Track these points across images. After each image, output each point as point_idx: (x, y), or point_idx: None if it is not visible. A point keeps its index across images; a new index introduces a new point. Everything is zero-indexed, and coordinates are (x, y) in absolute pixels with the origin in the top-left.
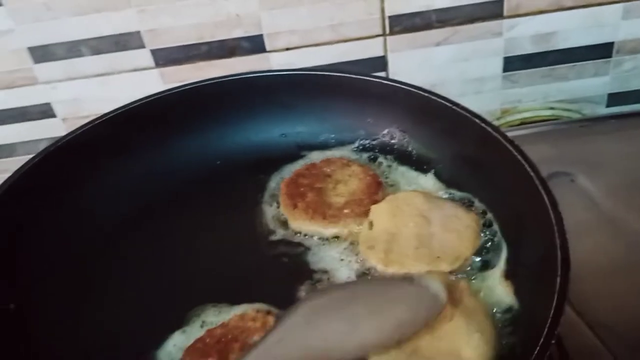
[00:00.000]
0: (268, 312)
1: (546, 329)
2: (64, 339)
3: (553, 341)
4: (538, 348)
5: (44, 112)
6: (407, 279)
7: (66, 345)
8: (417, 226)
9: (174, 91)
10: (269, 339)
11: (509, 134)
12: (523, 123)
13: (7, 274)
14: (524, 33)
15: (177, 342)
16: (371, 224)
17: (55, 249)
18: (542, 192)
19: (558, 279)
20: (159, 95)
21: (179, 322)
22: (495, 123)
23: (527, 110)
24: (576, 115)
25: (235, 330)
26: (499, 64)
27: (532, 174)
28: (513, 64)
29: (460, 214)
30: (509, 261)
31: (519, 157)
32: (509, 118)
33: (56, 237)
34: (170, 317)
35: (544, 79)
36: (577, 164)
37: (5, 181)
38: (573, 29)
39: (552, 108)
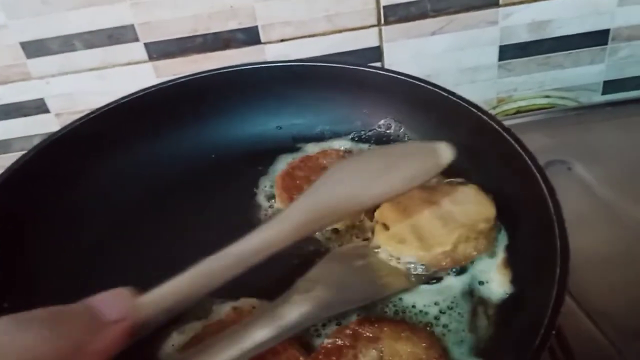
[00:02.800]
0: None
1: (547, 319)
2: None
3: (554, 331)
4: (539, 338)
5: (38, 107)
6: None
7: None
8: (432, 210)
9: (168, 84)
10: (308, 191)
11: (506, 123)
12: (519, 112)
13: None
14: (519, 21)
15: (175, 341)
16: (385, 226)
17: (51, 243)
18: (540, 180)
19: (558, 269)
20: (154, 89)
21: (176, 320)
22: (492, 112)
23: (523, 98)
24: (572, 104)
25: (231, 325)
26: (494, 52)
27: (529, 162)
28: (509, 52)
29: (460, 189)
30: (508, 249)
31: (516, 145)
32: (505, 107)
33: (52, 231)
34: None
35: (539, 67)
36: (573, 152)
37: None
38: (569, 16)
39: (548, 96)
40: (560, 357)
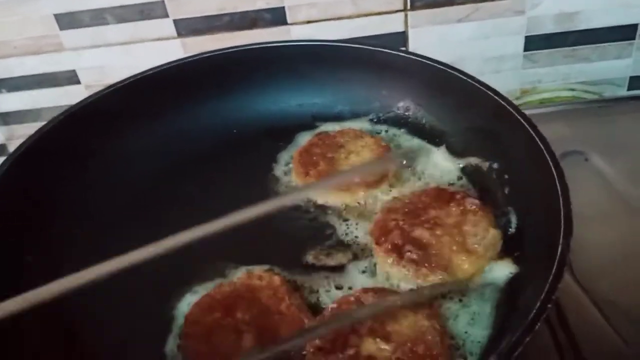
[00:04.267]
0: (275, 273)
1: (544, 292)
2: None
3: (549, 305)
4: (535, 309)
5: (69, 78)
6: None
7: (87, 295)
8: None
9: (195, 58)
10: None
11: (527, 112)
12: (542, 104)
13: (26, 229)
14: (546, 12)
15: (191, 300)
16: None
17: (75, 205)
18: (551, 163)
19: (560, 247)
20: (180, 62)
21: (192, 281)
22: (515, 103)
23: (547, 90)
24: (596, 97)
25: (242, 288)
26: (520, 42)
27: (542, 146)
28: (534, 43)
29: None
30: (517, 229)
31: (531, 130)
32: (528, 98)
33: (75, 196)
34: (183, 276)
35: (565, 59)
36: (592, 143)
37: (28, 139)
38: (597, 9)
39: (572, 89)
40: (563, 343)
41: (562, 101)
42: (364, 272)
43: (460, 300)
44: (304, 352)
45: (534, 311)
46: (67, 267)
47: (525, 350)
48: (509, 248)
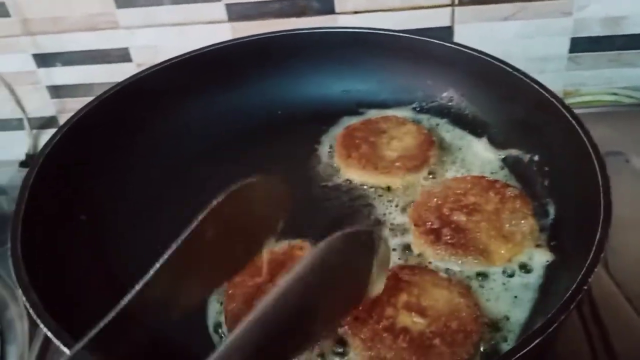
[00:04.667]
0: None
1: (581, 274)
2: (130, 248)
3: (585, 287)
4: (571, 290)
5: (122, 56)
6: None
7: (131, 253)
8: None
9: (243, 40)
10: None
11: None
12: (584, 105)
13: (80, 192)
14: (594, 14)
15: None
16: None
17: (125, 174)
18: (593, 155)
19: (598, 234)
20: (230, 43)
21: None
22: None
23: (590, 94)
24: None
25: (283, 257)
26: (565, 44)
27: (584, 138)
28: (580, 45)
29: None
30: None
31: (574, 122)
32: (571, 100)
33: (124, 165)
34: None
35: (610, 63)
36: (633, 145)
37: (80, 110)
38: None
39: (615, 94)
40: (595, 336)
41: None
42: (401, 249)
43: (503, 284)
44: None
45: (570, 292)
46: (116, 227)
47: (559, 335)
48: (546, 237)
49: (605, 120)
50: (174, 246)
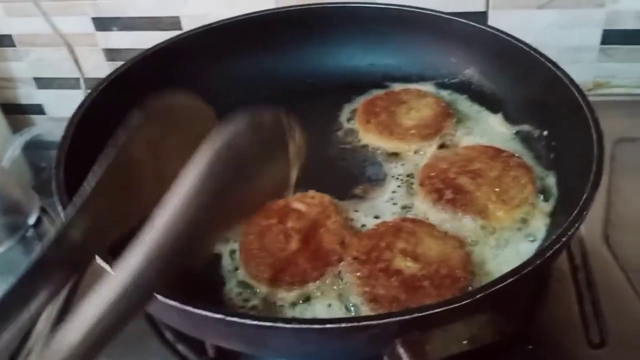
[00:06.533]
0: (325, 195)
1: (561, 229)
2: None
3: (586, 212)
4: (550, 241)
5: (173, 24)
6: None
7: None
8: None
9: (285, 9)
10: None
11: (591, 99)
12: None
13: None
14: (627, 8)
15: None
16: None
17: None
18: (592, 126)
19: (585, 195)
20: (268, 12)
21: None
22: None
23: (620, 86)
24: None
25: (295, 203)
26: (597, 35)
27: (587, 113)
28: (612, 37)
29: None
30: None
31: (580, 98)
32: (600, 91)
33: None
34: None
35: None
36: None
37: (129, 60)
38: None
39: None
40: (587, 305)
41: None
42: (404, 207)
43: (497, 244)
44: (343, 261)
45: (549, 242)
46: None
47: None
48: (544, 204)
49: (624, 107)
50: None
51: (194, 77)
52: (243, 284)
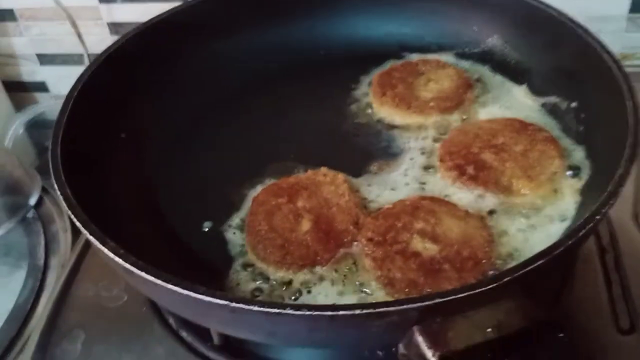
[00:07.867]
0: (339, 173)
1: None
2: (169, 167)
3: (622, 188)
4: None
5: None
6: None
7: (170, 171)
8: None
9: None
10: None
11: None
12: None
13: (122, 112)
14: None
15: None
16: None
17: (167, 100)
18: (628, 97)
19: (620, 169)
20: None
21: (265, 175)
22: None
23: None
24: None
25: (307, 181)
26: (626, 4)
27: (622, 83)
28: None
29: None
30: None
31: (614, 66)
32: (627, 63)
33: (167, 92)
34: (258, 171)
35: None
36: None
37: (129, 32)
38: None
39: None
40: (615, 282)
41: None
42: (422, 183)
43: (521, 223)
44: (356, 242)
45: (581, 221)
46: (153, 145)
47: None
48: (574, 181)
49: None
50: None
51: (198, 51)
52: (250, 267)
